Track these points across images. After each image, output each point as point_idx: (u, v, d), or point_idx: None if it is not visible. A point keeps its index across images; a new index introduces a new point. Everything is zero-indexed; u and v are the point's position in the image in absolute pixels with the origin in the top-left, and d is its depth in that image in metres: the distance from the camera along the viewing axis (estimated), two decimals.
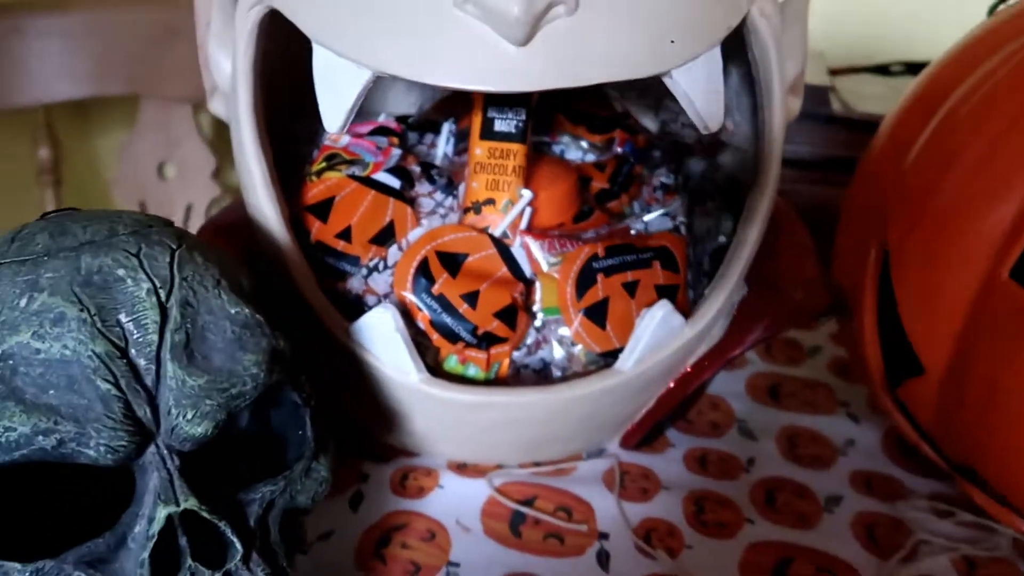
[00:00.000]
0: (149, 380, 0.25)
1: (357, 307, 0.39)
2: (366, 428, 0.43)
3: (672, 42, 0.33)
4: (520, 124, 0.41)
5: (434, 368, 0.39)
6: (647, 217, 0.43)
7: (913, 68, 0.73)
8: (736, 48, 0.38)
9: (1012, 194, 0.33)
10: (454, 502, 0.40)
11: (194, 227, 0.95)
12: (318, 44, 0.33)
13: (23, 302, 0.25)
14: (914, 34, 0.81)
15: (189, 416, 0.25)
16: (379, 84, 0.34)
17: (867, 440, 0.46)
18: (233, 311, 0.28)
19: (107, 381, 0.24)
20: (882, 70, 0.75)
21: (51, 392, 0.24)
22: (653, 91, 0.50)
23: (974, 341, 0.34)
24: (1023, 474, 0.34)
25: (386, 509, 0.40)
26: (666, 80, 0.34)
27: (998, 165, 0.34)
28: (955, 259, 0.34)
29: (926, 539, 0.38)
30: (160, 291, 0.26)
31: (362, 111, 0.46)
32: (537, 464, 0.43)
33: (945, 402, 0.37)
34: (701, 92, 0.34)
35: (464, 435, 0.40)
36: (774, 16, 0.38)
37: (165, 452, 0.25)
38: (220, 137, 1.01)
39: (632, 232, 0.42)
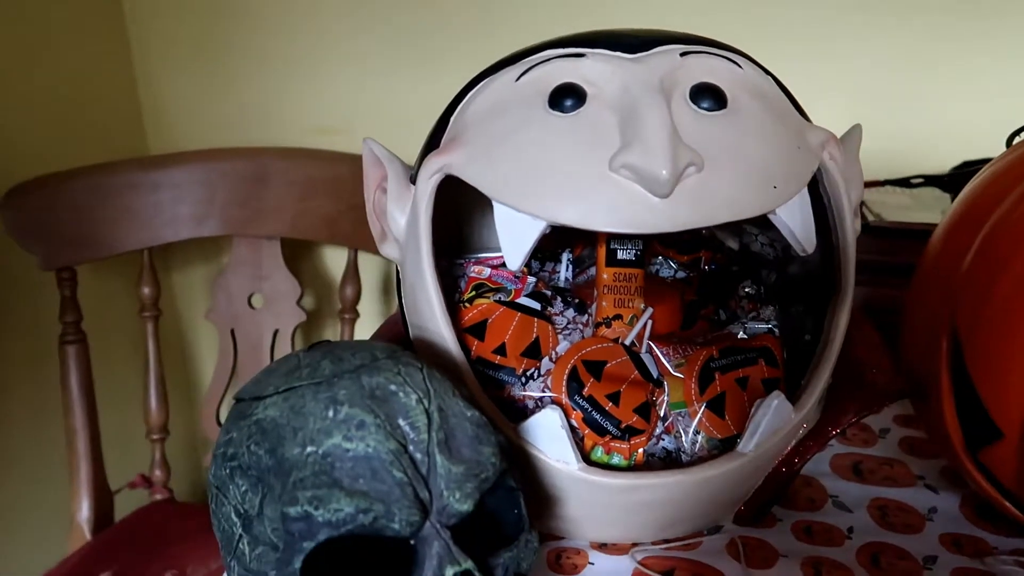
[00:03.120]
0: (424, 470, 0.33)
1: (515, 410, 0.47)
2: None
3: (775, 187, 0.42)
4: (639, 252, 0.50)
5: (584, 459, 0.46)
6: (748, 324, 0.51)
7: (931, 180, 0.83)
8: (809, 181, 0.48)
9: None
10: (605, 575, 0.46)
11: (280, 350, 1.03)
12: (498, 202, 0.42)
13: (330, 414, 0.33)
14: (927, 149, 0.92)
15: (457, 496, 0.33)
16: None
17: (948, 506, 0.53)
18: (469, 414, 0.35)
19: (400, 471, 0.32)
20: (902, 183, 0.85)
21: (361, 481, 0.32)
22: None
23: None
24: None
25: None
26: (771, 216, 0.43)
27: None
28: (1021, 335, 0.42)
29: None
30: (424, 400, 0.34)
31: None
32: (667, 542, 0.50)
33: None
34: (798, 223, 0.44)
35: (610, 516, 0.47)
36: (840, 157, 0.48)
37: (438, 526, 0.33)
38: (299, 268, 1.11)
39: (737, 336, 0.51)
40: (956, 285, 0.47)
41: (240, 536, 0.34)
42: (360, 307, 1.03)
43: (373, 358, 0.36)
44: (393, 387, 0.34)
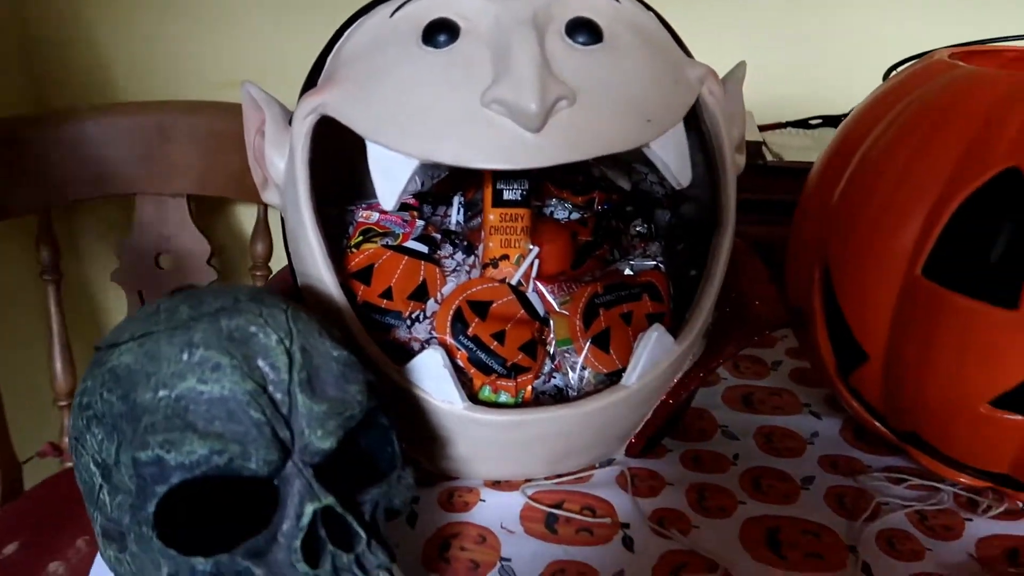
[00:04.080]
0: (285, 410, 0.33)
1: (402, 353, 0.47)
2: (412, 459, 0.50)
3: (649, 121, 0.42)
4: (524, 192, 0.50)
5: (471, 398, 0.46)
6: (633, 262, 0.52)
7: (829, 120, 0.85)
8: (689, 118, 0.48)
9: (917, 211, 0.43)
10: (496, 511, 0.47)
11: None
12: (372, 142, 0.42)
13: (185, 356, 0.32)
14: (826, 91, 0.94)
15: (319, 434, 0.33)
16: None
17: (829, 431, 0.55)
18: (336, 353, 0.35)
19: (257, 411, 0.32)
20: (802, 124, 0.87)
21: (216, 423, 0.31)
22: (623, 158, 0.59)
23: (903, 328, 0.43)
24: (954, 432, 0.43)
25: (440, 523, 0.47)
26: (645, 150, 0.43)
27: (903, 192, 0.44)
28: (881, 264, 0.44)
29: (884, 501, 0.47)
30: (284, 341, 0.34)
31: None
32: (559, 476, 0.51)
33: (888, 381, 0.46)
34: (673, 157, 0.44)
35: (500, 453, 0.47)
36: (719, 92, 0.48)
37: (301, 465, 0.33)
38: (209, 226, 1.08)
39: (623, 273, 0.51)
40: (828, 216, 0.48)
41: (100, 486, 0.33)
42: (272, 263, 1.01)
43: (235, 300, 0.35)
44: (253, 328, 0.34)
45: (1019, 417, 0.40)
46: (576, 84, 0.41)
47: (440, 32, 0.43)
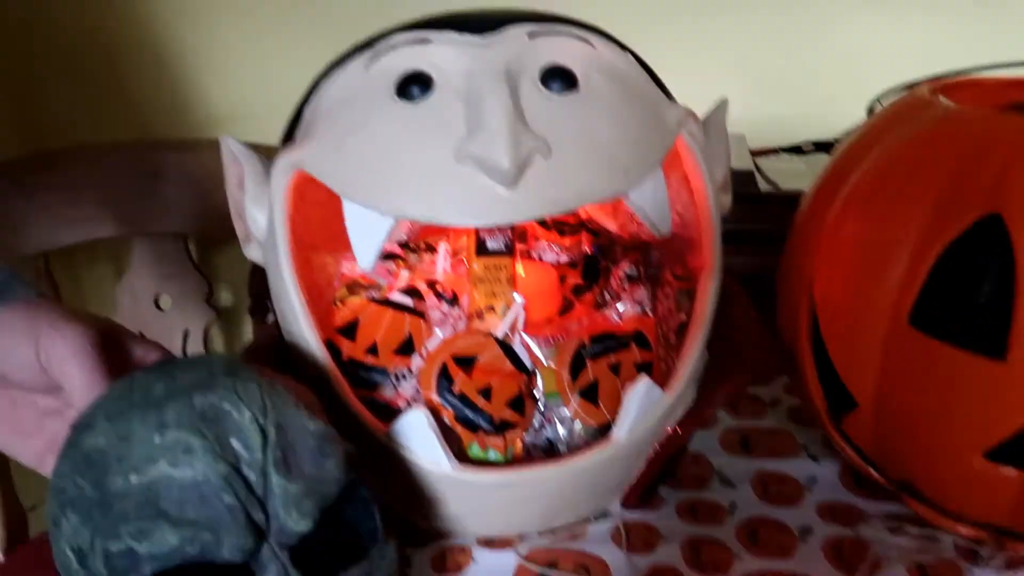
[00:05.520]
0: (260, 491, 0.32)
1: (388, 411, 0.46)
2: (403, 517, 0.49)
3: (626, 171, 0.42)
4: (508, 241, 0.49)
5: (459, 456, 0.46)
6: (620, 307, 0.51)
7: (821, 146, 0.84)
8: (672, 153, 0.47)
9: (901, 254, 0.41)
10: (489, 573, 0.46)
11: (193, 351, 1.01)
12: (347, 199, 0.41)
13: (156, 439, 0.32)
14: (820, 113, 0.93)
15: (294, 516, 0.32)
16: None
17: (827, 476, 0.54)
18: (312, 427, 0.35)
19: (230, 495, 0.31)
20: (795, 150, 0.86)
21: (188, 508, 0.31)
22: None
23: (892, 376, 0.42)
24: (949, 484, 0.42)
25: None
26: (624, 200, 0.42)
27: (886, 234, 0.43)
28: (867, 308, 0.43)
29: (884, 553, 0.46)
30: (259, 417, 0.33)
31: None
32: (553, 531, 0.50)
33: (879, 429, 0.45)
34: (651, 204, 0.43)
35: (491, 512, 0.47)
36: (699, 134, 0.48)
37: (276, 548, 0.32)
38: (208, 264, 1.08)
39: (612, 320, 0.51)
40: (814, 255, 0.47)
41: (76, 570, 0.33)
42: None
43: (209, 375, 0.34)
44: (227, 405, 0.33)
45: (1014, 470, 0.39)
46: (550, 135, 0.40)
47: (414, 85, 0.42)
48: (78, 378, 0.38)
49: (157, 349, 0.44)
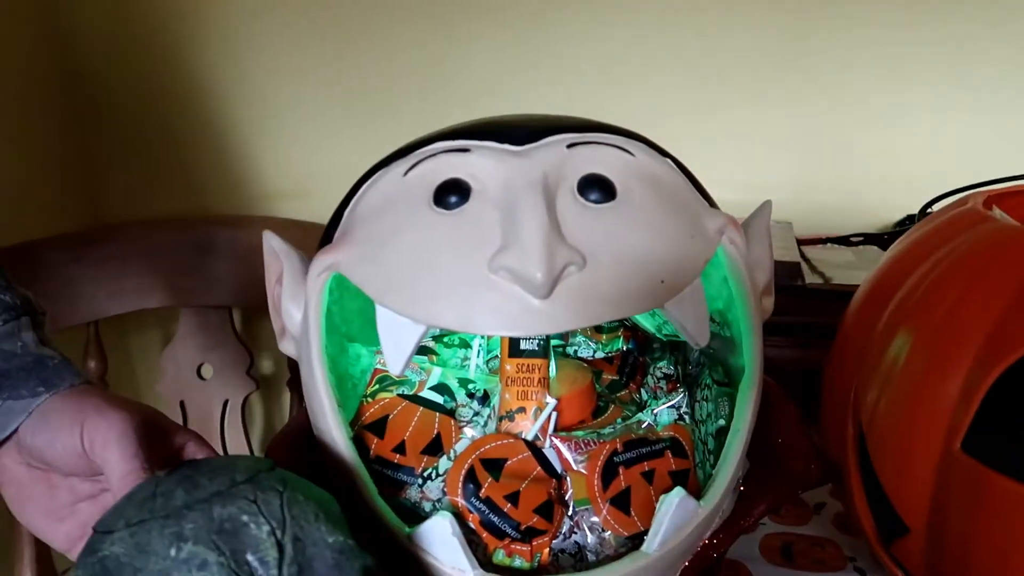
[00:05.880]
0: None
1: (414, 512, 0.45)
2: None
3: (662, 282, 0.41)
4: (541, 342, 0.49)
5: (484, 563, 0.44)
6: (655, 410, 0.50)
7: (871, 239, 0.83)
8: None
9: (954, 376, 0.40)
10: None
11: (230, 420, 1.02)
12: (380, 305, 0.41)
13: (173, 552, 0.31)
14: (870, 203, 0.92)
15: None
16: None
17: None
18: (331, 540, 0.34)
19: None
20: (843, 240, 0.85)
21: None
22: None
23: (944, 505, 0.40)
24: None
25: None
26: (661, 311, 0.42)
27: (938, 354, 0.42)
28: (916, 432, 0.41)
29: None
30: (276, 531, 0.33)
31: None
32: None
33: (932, 558, 0.42)
34: (690, 316, 0.42)
35: None
36: (740, 241, 0.47)
37: None
38: (251, 333, 1.10)
39: (644, 425, 0.49)
40: (861, 368, 0.46)
41: None
42: None
43: (232, 483, 0.34)
44: (245, 518, 0.33)
45: None
46: (586, 247, 0.40)
47: (451, 193, 0.43)
48: (118, 463, 0.40)
49: (196, 438, 0.45)
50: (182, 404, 1.02)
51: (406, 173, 0.45)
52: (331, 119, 1.07)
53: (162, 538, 0.32)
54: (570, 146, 0.44)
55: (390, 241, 0.42)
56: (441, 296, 0.40)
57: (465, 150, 0.44)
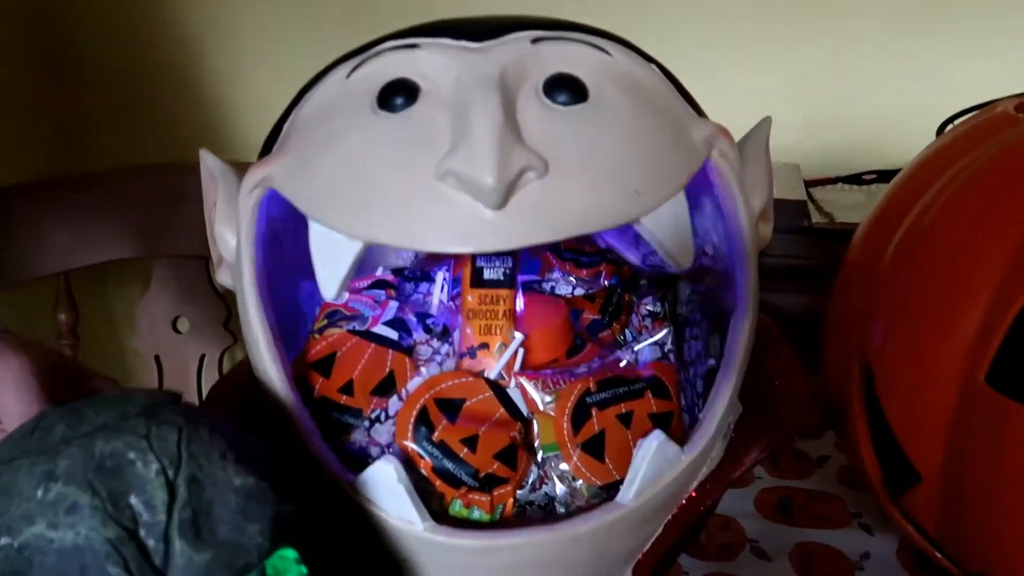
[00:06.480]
0: (159, 560, 0.26)
1: (362, 458, 0.41)
2: None
3: (637, 193, 0.35)
4: (507, 271, 0.43)
5: (440, 514, 0.39)
6: (636, 347, 0.45)
7: (884, 176, 0.76)
8: (707, 177, 0.41)
9: (978, 299, 0.35)
10: None
11: (207, 377, 0.98)
12: (314, 220, 0.36)
13: (39, 493, 0.27)
14: (882, 143, 0.85)
15: None
16: None
17: (883, 551, 0.46)
18: (238, 482, 0.29)
19: (118, 566, 0.26)
20: (855, 179, 0.78)
21: None
22: (631, 229, 0.52)
23: (963, 446, 0.35)
24: None
25: None
26: (636, 227, 0.36)
27: (960, 275, 0.36)
28: (932, 367, 0.36)
29: None
30: (168, 471, 0.28)
31: (361, 265, 0.49)
32: None
33: (948, 508, 0.37)
34: (669, 234, 0.37)
35: None
36: (733, 156, 0.41)
37: None
38: (228, 289, 1.06)
39: (623, 363, 0.44)
40: (869, 300, 0.40)
41: None
42: None
43: (122, 416, 0.29)
44: (132, 455, 0.28)
45: None
46: (549, 151, 0.34)
47: (397, 94, 0.37)
48: (14, 407, 0.37)
49: (113, 385, 0.41)
50: (157, 359, 0.98)
51: (349, 75, 0.39)
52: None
53: (30, 477, 0.27)
54: (535, 41, 0.38)
55: (326, 149, 0.37)
56: (380, 208, 0.35)
57: (414, 47, 0.38)
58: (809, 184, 0.80)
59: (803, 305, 0.66)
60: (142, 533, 0.27)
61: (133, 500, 0.27)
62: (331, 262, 0.36)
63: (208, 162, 0.44)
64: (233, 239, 0.42)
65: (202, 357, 0.97)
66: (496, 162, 0.32)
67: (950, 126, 0.47)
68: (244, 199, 0.40)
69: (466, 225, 0.34)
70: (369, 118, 0.37)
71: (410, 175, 0.35)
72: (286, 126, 0.42)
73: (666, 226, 0.37)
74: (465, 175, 0.33)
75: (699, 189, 0.39)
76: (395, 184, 0.35)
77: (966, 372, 0.33)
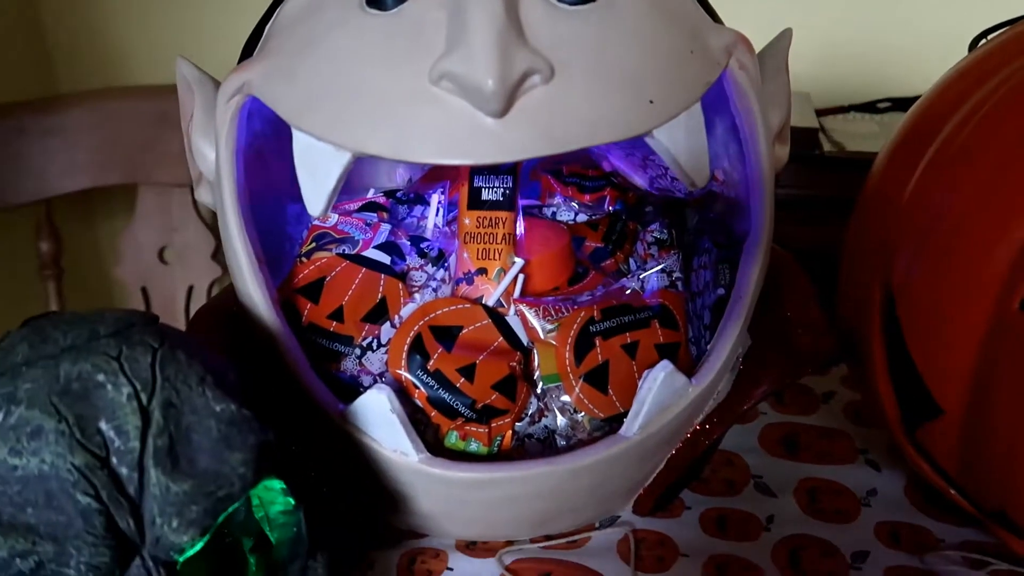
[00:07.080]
0: (132, 489, 0.24)
1: (353, 388, 0.39)
2: (371, 510, 0.42)
3: (651, 102, 0.33)
4: (507, 191, 0.40)
5: (435, 446, 0.38)
6: (643, 275, 0.42)
7: (900, 104, 0.73)
8: (720, 95, 0.38)
9: (1012, 224, 0.32)
10: None
11: (196, 308, 0.95)
12: (297, 129, 0.33)
13: (0, 417, 0.24)
14: (898, 70, 0.82)
15: (174, 524, 0.24)
16: (366, 160, 0.34)
17: (890, 488, 0.44)
18: (218, 408, 0.27)
19: (87, 494, 0.24)
20: (869, 107, 0.75)
21: (29, 511, 0.23)
22: (640, 149, 0.50)
23: (991, 378, 0.33)
24: None
25: None
26: (648, 140, 0.33)
27: (999, 196, 0.33)
28: (963, 293, 0.34)
29: None
30: (141, 395, 0.25)
31: (351, 187, 0.46)
32: (549, 538, 0.42)
33: (968, 443, 0.35)
34: (684, 149, 0.34)
35: (470, 514, 0.39)
36: (753, 68, 0.38)
37: (151, 564, 0.24)
38: (215, 216, 1.02)
39: (628, 292, 0.42)
40: (893, 225, 0.38)
41: None
42: None
43: (91, 336, 0.27)
44: (101, 377, 0.25)
45: None
46: (555, 54, 0.31)
47: None
48: None
49: None
50: (144, 291, 0.95)
51: None
52: None
53: None
54: None
55: (311, 50, 0.34)
56: (369, 115, 0.32)
57: None
58: (818, 113, 0.77)
59: (814, 238, 0.64)
60: (113, 461, 0.25)
61: (103, 425, 0.25)
62: (316, 175, 0.33)
63: (184, 70, 0.41)
64: (212, 153, 0.39)
65: (190, 288, 0.94)
66: (497, 63, 0.29)
67: (983, 42, 0.44)
68: (222, 108, 0.37)
69: (463, 134, 0.31)
70: (357, 16, 0.34)
71: (402, 78, 0.32)
72: (268, 27, 0.39)
73: (680, 141, 0.34)
74: (462, 77, 0.30)
75: (709, 107, 0.36)
76: (385, 88, 0.32)
77: (999, 298, 0.31)
